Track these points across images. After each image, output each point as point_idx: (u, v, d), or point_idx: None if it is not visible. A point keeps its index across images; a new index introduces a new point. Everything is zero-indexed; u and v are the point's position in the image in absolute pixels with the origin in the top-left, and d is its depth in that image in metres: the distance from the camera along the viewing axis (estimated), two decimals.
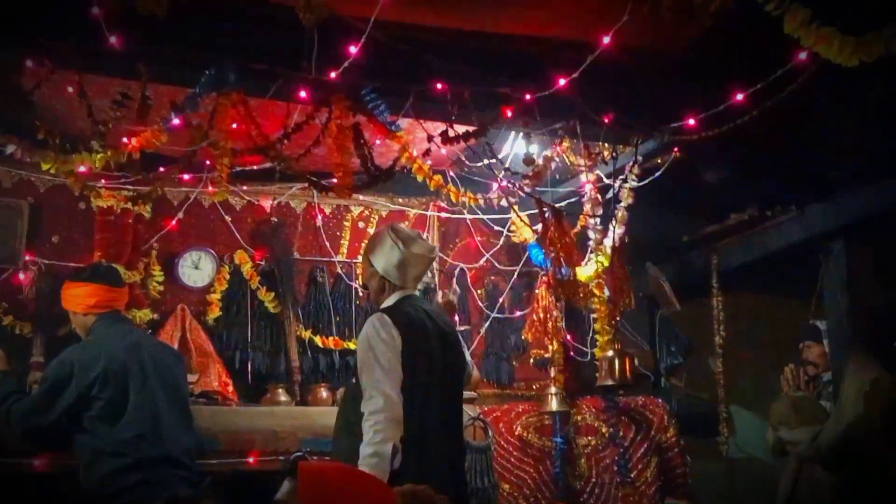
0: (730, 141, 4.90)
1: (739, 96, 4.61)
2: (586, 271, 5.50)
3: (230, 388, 5.55)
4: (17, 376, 4.85)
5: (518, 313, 6.49)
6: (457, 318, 6.34)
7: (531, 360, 6.48)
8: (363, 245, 5.28)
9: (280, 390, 5.64)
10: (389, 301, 4.27)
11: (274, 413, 5.37)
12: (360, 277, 4.70)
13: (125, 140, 4.30)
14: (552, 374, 5.92)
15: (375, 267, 4.30)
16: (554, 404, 5.78)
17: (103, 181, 5.11)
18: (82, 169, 4.38)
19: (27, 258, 5.44)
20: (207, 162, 5.00)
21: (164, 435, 4.45)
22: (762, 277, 6.68)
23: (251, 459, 5.08)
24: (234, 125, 4.35)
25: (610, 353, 5.52)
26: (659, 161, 5.41)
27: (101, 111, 4.32)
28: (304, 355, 5.94)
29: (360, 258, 6.27)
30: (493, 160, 5.12)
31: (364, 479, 2.50)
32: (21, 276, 5.38)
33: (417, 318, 4.19)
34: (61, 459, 4.62)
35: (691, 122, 4.86)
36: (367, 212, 6.42)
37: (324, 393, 5.70)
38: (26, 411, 4.43)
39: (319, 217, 6.26)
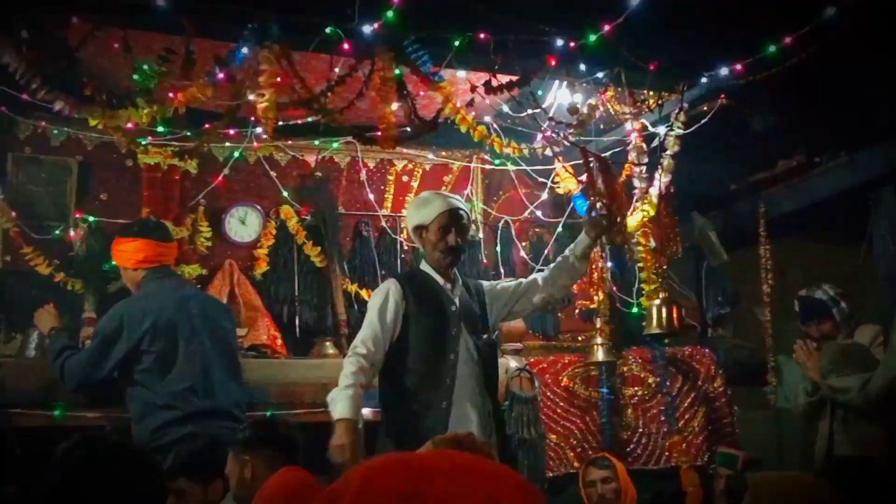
0: (777, 86, 4.84)
1: (787, 40, 4.56)
2: (632, 221, 5.46)
3: (279, 342, 5.59)
4: (70, 332, 4.92)
5: None
6: (502, 270, 6.35)
7: (576, 312, 6.47)
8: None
9: (328, 343, 5.68)
10: None
11: (322, 366, 5.40)
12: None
13: (171, 95, 4.33)
14: (598, 325, 5.91)
15: None
16: (600, 355, 5.78)
17: (150, 138, 5.14)
18: (129, 125, 4.42)
19: (77, 215, 5.50)
20: (252, 118, 5.02)
21: (213, 388, 4.52)
22: (811, 225, 6.60)
23: (301, 411, 5.13)
24: (278, 79, 4.36)
25: (657, 301, 5.49)
26: (705, 108, 5.35)
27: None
28: (350, 309, 5.96)
29: (404, 212, 6.29)
30: (537, 110, 5.10)
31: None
32: (72, 233, 5.44)
33: None
34: (114, 412, 4.70)
35: (738, 67, 4.80)
36: (410, 165, 6.42)
37: None
38: (79, 366, 4.52)
39: (363, 171, 6.26)
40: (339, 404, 3.96)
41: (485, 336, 4.37)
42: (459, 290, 4.37)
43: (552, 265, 4.69)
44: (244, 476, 3.77)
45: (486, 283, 4.62)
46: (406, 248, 6.23)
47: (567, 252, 4.66)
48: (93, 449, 2.32)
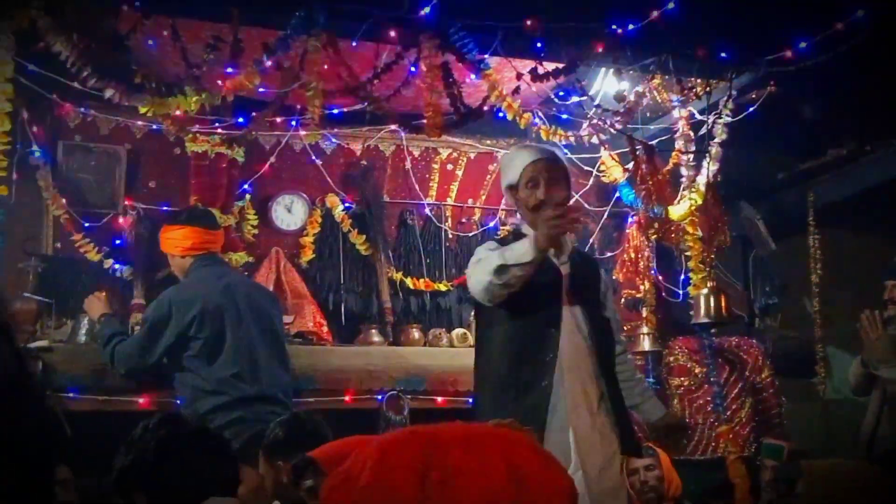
0: (827, 73, 4.78)
1: (838, 25, 4.50)
2: (679, 210, 5.42)
3: (324, 329, 5.61)
4: (120, 318, 4.98)
5: (608, 254, 6.43)
6: None
7: (622, 301, 6.41)
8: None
9: (373, 331, 5.69)
10: None
11: (368, 353, 5.44)
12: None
13: (219, 83, 4.36)
14: (644, 315, 5.88)
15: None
16: (646, 345, 5.74)
17: (197, 126, 5.18)
18: (178, 113, 4.46)
19: (126, 203, 5.54)
20: (298, 106, 5.05)
21: (260, 373, 4.55)
22: (860, 214, 6.51)
23: (347, 398, 5.16)
24: (325, 66, 4.38)
25: (704, 290, 5.45)
26: (753, 96, 5.30)
27: (194, 55, 4.39)
28: (395, 297, 5.98)
29: (448, 200, 6.29)
30: (584, 97, 5.07)
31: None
32: (121, 220, 5.50)
33: None
34: (163, 398, 4.76)
35: (788, 54, 4.75)
36: (455, 154, 6.39)
37: (416, 334, 5.73)
38: (129, 353, 4.57)
39: (408, 160, 6.26)
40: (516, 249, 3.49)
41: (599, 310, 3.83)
42: (568, 255, 3.80)
43: (631, 382, 4.04)
44: (280, 481, 3.64)
45: (604, 273, 4.09)
46: (451, 236, 6.23)
47: (637, 398, 4.06)
48: (173, 428, 2.36)
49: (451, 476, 1.07)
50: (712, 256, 5.53)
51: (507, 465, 1.11)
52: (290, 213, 5.94)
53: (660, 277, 6.07)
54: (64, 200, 5.38)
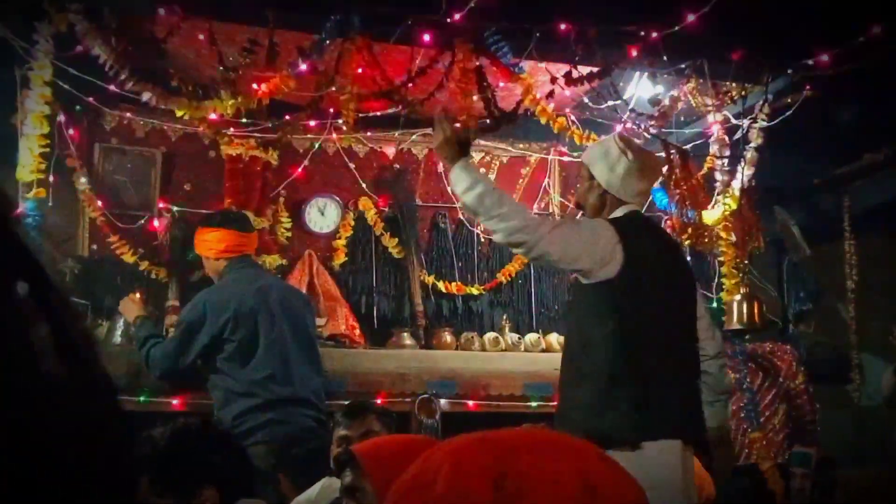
0: (864, 78, 4.74)
1: (875, 30, 4.46)
2: (713, 214, 5.39)
3: (357, 332, 5.63)
4: (154, 320, 5.01)
5: None
6: None
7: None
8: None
9: (405, 334, 5.69)
10: (616, 214, 3.58)
11: (400, 356, 5.45)
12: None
13: (254, 86, 4.38)
14: None
15: (597, 179, 3.62)
16: None
17: (232, 129, 5.21)
18: (213, 116, 4.49)
19: (161, 205, 5.58)
20: (332, 109, 5.06)
21: (293, 376, 4.56)
22: None
23: (379, 401, 5.16)
24: (360, 70, 4.39)
25: (738, 296, 5.41)
26: (789, 100, 5.25)
27: (230, 59, 4.42)
28: (427, 300, 5.98)
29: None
30: (618, 101, 5.06)
31: (414, 441, 2.39)
32: (156, 223, 5.53)
33: (650, 232, 3.62)
34: (196, 399, 4.79)
35: (824, 58, 4.71)
36: (487, 157, 6.39)
37: (447, 337, 5.72)
38: (164, 355, 4.59)
39: (441, 163, 6.25)
40: None
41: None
42: None
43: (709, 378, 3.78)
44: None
45: None
46: (483, 239, 6.22)
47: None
48: (187, 431, 2.37)
49: (526, 486, 1.06)
50: (746, 262, 5.48)
51: (578, 473, 1.10)
52: (323, 215, 5.96)
53: None
54: (100, 202, 5.42)
